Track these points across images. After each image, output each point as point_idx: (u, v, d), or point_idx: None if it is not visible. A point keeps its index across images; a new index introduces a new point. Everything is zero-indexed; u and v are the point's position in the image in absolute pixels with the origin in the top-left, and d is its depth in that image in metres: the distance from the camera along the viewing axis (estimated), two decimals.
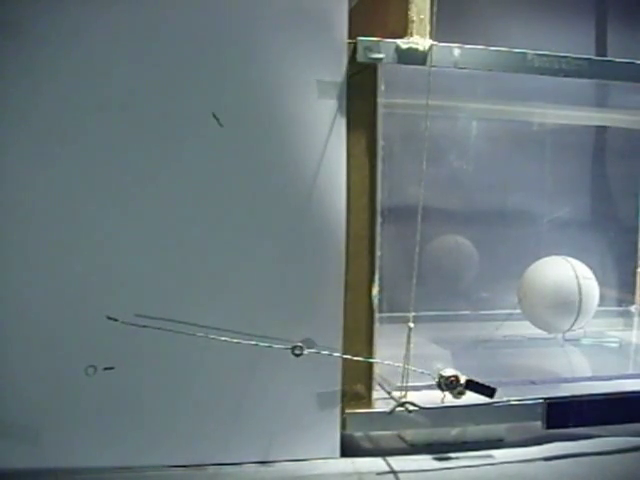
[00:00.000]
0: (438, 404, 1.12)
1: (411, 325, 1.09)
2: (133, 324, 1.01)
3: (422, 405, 1.10)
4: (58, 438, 1.03)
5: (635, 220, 1.76)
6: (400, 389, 1.10)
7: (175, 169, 1.05)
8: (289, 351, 1.04)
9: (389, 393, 1.14)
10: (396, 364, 1.10)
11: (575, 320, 1.55)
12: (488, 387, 1.09)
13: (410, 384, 1.10)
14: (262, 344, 1.04)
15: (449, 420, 1.15)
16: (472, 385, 1.09)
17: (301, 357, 1.05)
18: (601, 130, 1.90)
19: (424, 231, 1.11)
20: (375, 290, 1.13)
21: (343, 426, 1.11)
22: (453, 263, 1.79)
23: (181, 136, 1.04)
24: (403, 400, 1.09)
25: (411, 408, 1.09)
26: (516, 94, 1.55)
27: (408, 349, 1.09)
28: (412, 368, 1.09)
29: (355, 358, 1.10)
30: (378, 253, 1.13)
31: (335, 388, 1.10)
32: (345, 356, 1.09)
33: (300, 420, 1.09)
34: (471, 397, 1.12)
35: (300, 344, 1.05)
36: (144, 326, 1.01)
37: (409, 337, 1.09)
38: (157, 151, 1.04)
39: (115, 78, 1.02)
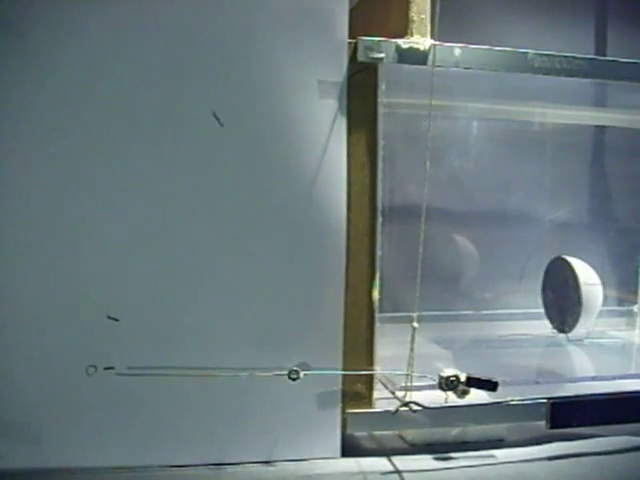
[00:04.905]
0: (442, 404, 1.12)
1: (415, 325, 1.09)
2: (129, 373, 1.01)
3: (426, 405, 1.09)
4: (58, 438, 1.03)
5: (636, 219, 1.76)
6: (403, 389, 1.10)
7: (175, 169, 1.05)
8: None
9: (393, 393, 1.14)
10: (396, 372, 1.10)
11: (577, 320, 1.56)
12: (489, 381, 1.08)
13: (413, 384, 1.10)
14: (258, 373, 1.04)
15: (452, 420, 1.14)
16: (473, 381, 1.09)
17: (302, 356, 1.05)
18: (601, 130, 1.90)
19: (425, 231, 1.11)
20: (376, 290, 1.13)
21: (344, 426, 1.11)
22: (454, 263, 1.79)
23: (181, 136, 1.04)
24: (407, 400, 1.08)
25: (415, 408, 1.08)
26: (516, 94, 1.55)
27: (412, 349, 1.09)
28: (413, 373, 1.08)
29: (354, 372, 1.10)
30: (379, 253, 1.13)
31: (336, 388, 1.10)
32: (345, 372, 1.09)
33: (301, 420, 1.09)
34: (475, 397, 1.12)
35: (296, 368, 1.05)
36: (142, 372, 1.02)
37: (413, 337, 1.09)
38: (157, 151, 1.04)
39: (115, 77, 1.02)
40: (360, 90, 1.10)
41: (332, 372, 1.09)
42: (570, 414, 1.17)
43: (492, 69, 1.16)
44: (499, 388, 1.09)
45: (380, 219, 1.13)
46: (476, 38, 1.17)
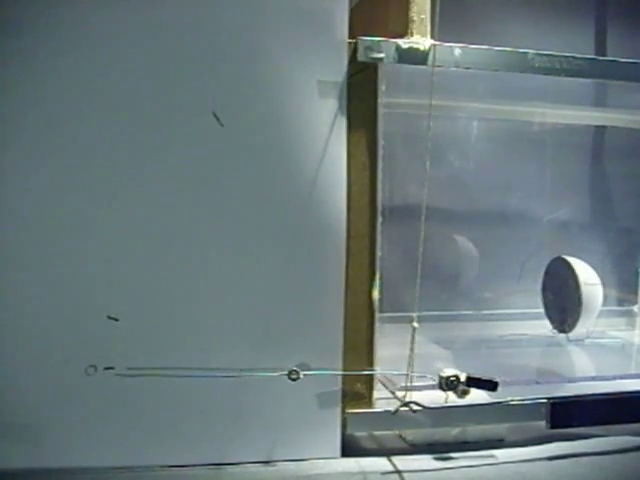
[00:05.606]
0: (442, 404, 1.12)
1: (415, 325, 1.09)
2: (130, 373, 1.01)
3: (426, 405, 1.09)
4: (58, 438, 1.03)
5: (636, 219, 1.76)
6: (403, 389, 1.10)
7: (175, 169, 1.05)
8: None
9: (393, 393, 1.14)
10: (396, 372, 1.10)
11: (577, 320, 1.56)
12: (489, 381, 1.08)
13: (413, 384, 1.10)
14: (258, 373, 1.04)
15: (452, 420, 1.14)
16: (473, 381, 1.09)
17: (302, 356, 1.05)
18: (601, 130, 1.90)
19: (425, 231, 1.11)
20: (376, 290, 1.13)
21: (344, 426, 1.11)
22: (454, 263, 1.79)
23: (181, 136, 1.04)
24: (407, 400, 1.08)
25: (415, 408, 1.08)
26: (516, 94, 1.55)
27: (412, 349, 1.09)
28: (413, 373, 1.08)
29: (354, 372, 1.10)
30: (379, 253, 1.13)
31: (336, 388, 1.10)
32: (345, 372, 1.09)
33: (301, 420, 1.09)
34: (475, 397, 1.12)
35: (296, 368, 1.05)
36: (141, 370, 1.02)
37: (413, 337, 1.09)
38: (157, 150, 1.04)
39: (115, 77, 1.02)
40: (360, 90, 1.10)
41: (332, 372, 1.09)
42: (570, 414, 1.17)
43: (492, 69, 1.16)
44: (499, 388, 1.09)
45: (380, 219, 1.13)
46: (476, 38, 1.17)
